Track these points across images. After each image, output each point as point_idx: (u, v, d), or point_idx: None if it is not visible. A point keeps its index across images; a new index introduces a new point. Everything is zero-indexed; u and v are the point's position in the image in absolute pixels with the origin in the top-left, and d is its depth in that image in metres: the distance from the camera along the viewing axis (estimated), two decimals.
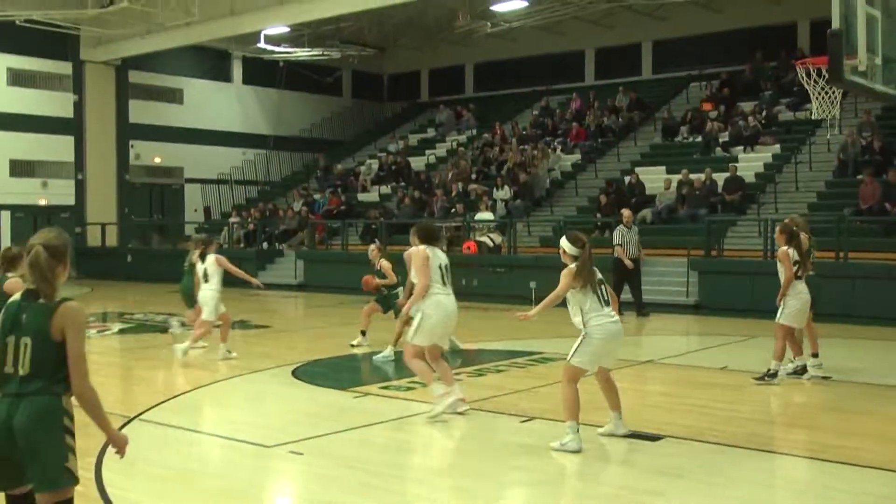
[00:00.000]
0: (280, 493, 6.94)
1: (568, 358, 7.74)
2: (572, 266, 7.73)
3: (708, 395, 10.26)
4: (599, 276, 7.84)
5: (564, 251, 7.87)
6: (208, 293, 12.96)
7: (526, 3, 29.15)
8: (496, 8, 29.85)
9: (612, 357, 8.08)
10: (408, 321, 10.34)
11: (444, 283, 9.04)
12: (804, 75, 13.09)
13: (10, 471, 4.23)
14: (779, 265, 10.81)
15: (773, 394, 10.38)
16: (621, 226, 18.28)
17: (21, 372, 4.18)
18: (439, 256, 9.11)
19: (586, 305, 7.69)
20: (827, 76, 11.49)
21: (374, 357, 12.71)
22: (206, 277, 13.10)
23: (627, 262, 17.94)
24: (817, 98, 13.35)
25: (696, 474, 7.06)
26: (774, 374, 10.65)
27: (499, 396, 10.03)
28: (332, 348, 13.99)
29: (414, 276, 9.12)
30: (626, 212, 18.71)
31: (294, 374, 11.62)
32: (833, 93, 13.39)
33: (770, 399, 10.23)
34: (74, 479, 4.26)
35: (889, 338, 15.08)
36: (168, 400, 10.06)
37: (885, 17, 9.27)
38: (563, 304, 7.82)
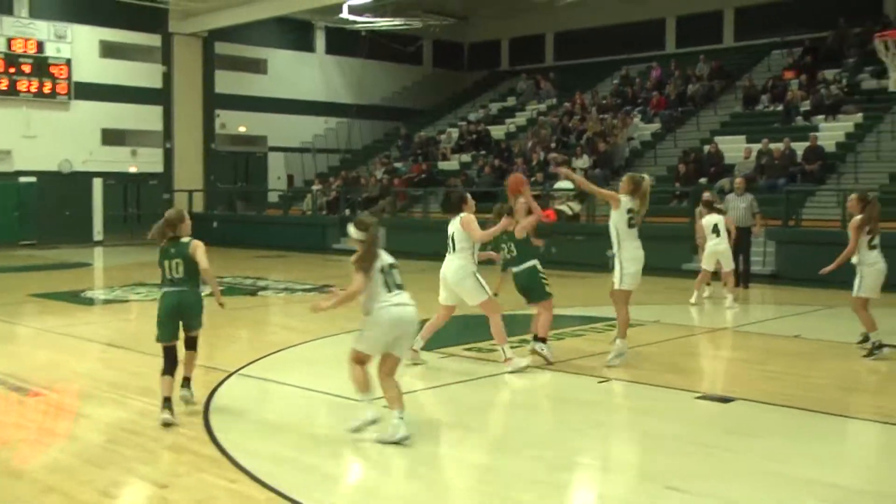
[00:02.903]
0: (371, 441, 7.22)
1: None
2: (361, 252, 7.23)
3: (781, 361, 10.48)
4: (390, 260, 7.42)
5: (351, 237, 7.35)
6: (720, 247, 15.45)
7: None
8: None
9: (401, 344, 7.57)
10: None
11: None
12: (882, 49, 13.17)
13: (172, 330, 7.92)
14: None
15: (845, 363, 10.48)
16: (731, 194, 18.24)
17: (177, 276, 7.83)
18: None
19: (372, 290, 7.30)
20: None
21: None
22: (716, 232, 15.38)
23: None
24: None
25: (767, 433, 7.38)
26: (880, 347, 10.54)
27: (578, 359, 10.44)
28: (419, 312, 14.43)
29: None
30: (738, 180, 18.70)
31: None
32: None
33: (842, 367, 10.30)
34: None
35: None
36: (262, 357, 10.71)
37: None
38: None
